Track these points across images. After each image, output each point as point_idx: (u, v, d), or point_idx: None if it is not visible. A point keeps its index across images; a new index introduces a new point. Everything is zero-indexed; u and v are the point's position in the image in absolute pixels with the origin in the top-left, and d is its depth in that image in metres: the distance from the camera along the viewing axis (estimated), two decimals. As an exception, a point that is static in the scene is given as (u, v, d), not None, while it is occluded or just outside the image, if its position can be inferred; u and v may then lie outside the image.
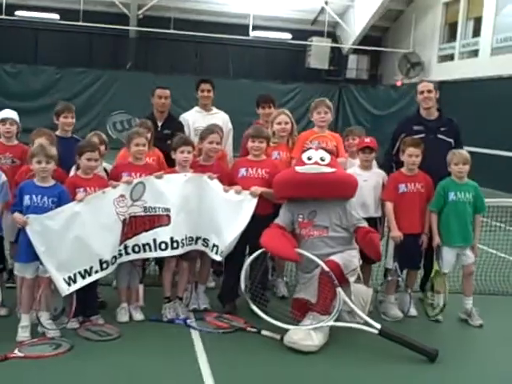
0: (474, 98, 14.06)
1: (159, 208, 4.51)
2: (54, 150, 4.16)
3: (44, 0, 18.54)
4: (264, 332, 4.38)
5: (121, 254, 4.46)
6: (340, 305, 4.25)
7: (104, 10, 18.59)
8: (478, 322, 4.87)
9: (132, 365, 3.88)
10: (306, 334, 4.17)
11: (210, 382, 3.70)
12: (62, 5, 18.54)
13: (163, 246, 4.52)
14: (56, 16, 18.78)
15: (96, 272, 4.30)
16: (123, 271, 4.61)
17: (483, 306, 5.06)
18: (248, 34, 18.80)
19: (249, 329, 4.46)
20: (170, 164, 4.99)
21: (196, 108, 5.98)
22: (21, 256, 4.14)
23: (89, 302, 4.41)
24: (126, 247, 4.47)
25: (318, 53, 19.89)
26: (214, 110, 6.00)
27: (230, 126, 5.97)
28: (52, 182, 4.18)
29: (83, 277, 4.24)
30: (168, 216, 4.53)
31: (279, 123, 5.19)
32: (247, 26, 18.70)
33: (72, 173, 4.65)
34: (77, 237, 4.18)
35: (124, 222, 4.40)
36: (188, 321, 4.56)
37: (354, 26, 19.37)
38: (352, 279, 4.46)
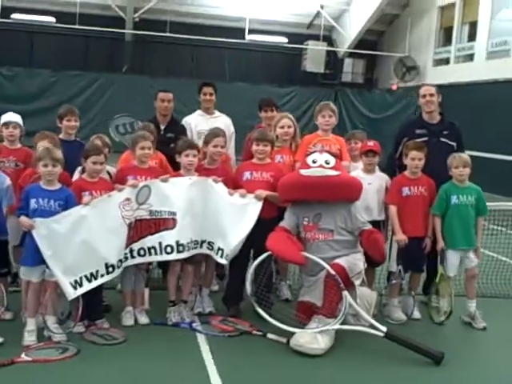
0: (469, 102, 14.14)
1: (165, 211, 4.51)
2: (60, 153, 4.15)
3: (40, 3, 18.49)
4: (270, 335, 4.38)
5: (126, 258, 4.45)
6: (346, 308, 4.27)
7: (100, 13, 18.57)
8: (481, 324, 4.89)
9: (139, 369, 3.87)
10: (313, 338, 4.18)
11: (219, 384, 3.71)
12: (58, 8, 18.51)
13: (169, 249, 4.52)
14: (52, 19, 18.75)
15: (102, 276, 4.30)
16: (128, 275, 4.60)
17: (485, 308, 5.09)
18: (244, 38, 18.84)
19: (254, 332, 4.46)
20: (174, 167, 5.00)
21: (198, 111, 6.00)
22: (27, 259, 4.13)
23: (94, 305, 4.41)
24: (131, 251, 4.47)
25: (314, 56, 19.96)
26: (217, 113, 6.02)
27: (232, 129, 5.99)
28: (58, 186, 4.18)
29: (89, 280, 4.24)
30: (174, 219, 4.52)
31: (282, 127, 5.21)
32: (243, 30, 18.74)
33: (75, 176, 4.65)
34: (83, 240, 4.17)
35: (130, 225, 4.40)
36: (193, 324, 4.56)
37: (350, 30, 19.45)
38: (357, 282, 4.48)
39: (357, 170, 5.15)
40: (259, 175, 4.82)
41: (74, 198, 4.19)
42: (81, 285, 4.19)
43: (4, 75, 17.67)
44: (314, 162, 4.55)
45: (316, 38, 19.90)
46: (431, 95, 5.28)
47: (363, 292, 4.54)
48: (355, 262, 4.51)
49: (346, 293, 4.28)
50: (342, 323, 4.29)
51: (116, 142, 5.90)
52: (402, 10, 19.31)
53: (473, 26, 15.92)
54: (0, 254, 4.42)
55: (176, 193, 4.54)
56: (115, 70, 18.65)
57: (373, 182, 5.03)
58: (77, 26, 17.65)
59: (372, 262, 4.84)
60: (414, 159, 4.95)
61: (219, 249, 4.66)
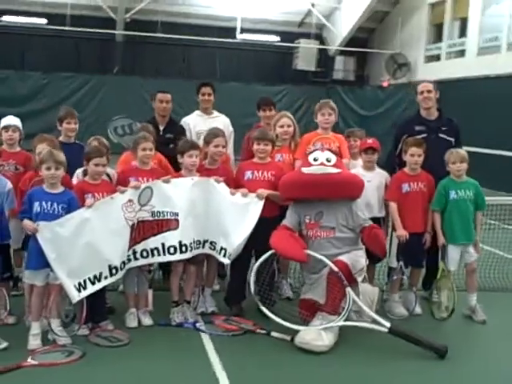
0: (460, 97, 14.18)
1: (167, 212, 4.51)
2: (62, 156, 4.14)
3: (31, 5, 18.36)
4: (274, 333, 4.40)
5: (129, 259, 4.45)
6: (350, 304, 4.29)
7: (91, 15, 18.46)
8: (481, 317, 4.95)
9: (144, 369, 3.88)
10: (317, 335, 4.21)
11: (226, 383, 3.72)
12: (49, 9, 18.38)
13: (172, 250, 4.52)
14: (43, 21, 18.63)
15: (105, 278, 4.30)
16: (131, 276, 4.60)
17: (485, 302, 5.13)
18: (235, 37, 18.82)
19: (258, 331, 4.48)
20: (174, 168, 5.01)
21: (197, 112, 6.00)
22: (31, 263, 4.11)
23: (98, 307, 4.40)
24: (134, 252, 4.46)
25: (306, 55, 19.95)
26: (215, 113, 6.02)
27: (230, 129, 5.99)
28: (61, 189, 4.17)
29: (93, 283, 4.24)
30: (176, 220, 4.52)
31: (281, 126, 5.22)
32: (234, 29, 18.71)
33: (75, 178, 4.64)
34: (87, 243, 4.17)
35: (132, 226, 4.40)
36: (197, 324, 4.57)
37: (341, 28, 19.47)
38: (359, 279, 4.51)
39: (357, 168, 5.18)
40: (260, 174, 4.84)
41: (76, 201, 4.18)
42: (85, 287, 4.19)
43: (-5, 78, 17.56)
44: (315, 159, 4.58)
45: (307, 36, 19.91)
46: (429, 91, 5.32)
47: (365, 288, 4.58)
48: (357, 258, 4.54)
49: (349, 289, 4.31)
50: (346, 320, 4.32)
51: (113, 144, 5.90)
52: (392, 7, 19.35)
53: (463, 22, 15.97)
54: (3, 258, 4.39)
55: (178, 193, 4.54)
56: (106, 71, 18.56)
57: (372, 179, 5.06)
58: (68, 28, 17.57)
59: (372, 258, 4.87)
60: (414, 155, 4.99)
61: (222, 248, 4.67)
